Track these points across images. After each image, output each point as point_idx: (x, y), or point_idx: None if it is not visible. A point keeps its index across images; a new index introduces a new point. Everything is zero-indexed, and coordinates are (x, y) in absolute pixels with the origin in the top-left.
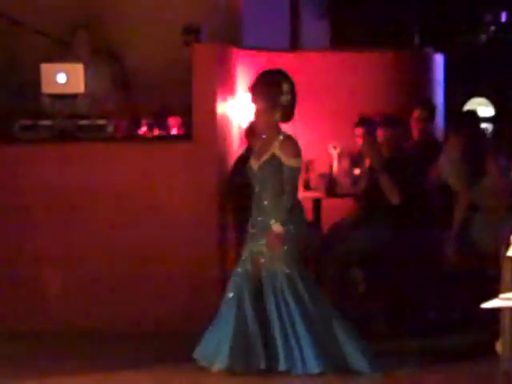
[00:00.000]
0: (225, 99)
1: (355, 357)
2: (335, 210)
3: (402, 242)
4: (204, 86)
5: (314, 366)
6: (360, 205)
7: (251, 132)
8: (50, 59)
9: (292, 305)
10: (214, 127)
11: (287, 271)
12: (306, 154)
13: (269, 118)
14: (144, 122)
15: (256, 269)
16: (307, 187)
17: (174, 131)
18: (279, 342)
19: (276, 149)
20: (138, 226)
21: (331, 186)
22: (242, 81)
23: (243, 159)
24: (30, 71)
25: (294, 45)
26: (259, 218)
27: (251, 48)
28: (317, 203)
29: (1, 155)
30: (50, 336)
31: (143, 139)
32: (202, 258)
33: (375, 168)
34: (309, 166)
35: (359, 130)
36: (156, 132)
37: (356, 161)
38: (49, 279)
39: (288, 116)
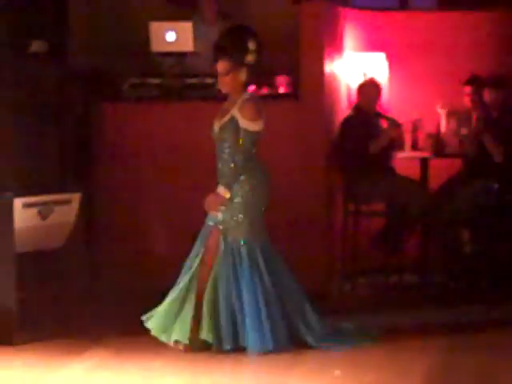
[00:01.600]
0: (332, 58)
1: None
2: (442, 169)
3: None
4: (311, 45)
5: (260, 345)
6: (467, 164)
7: (360, 92)
8: (163, 18)
9: (247, 278)
10: (321, 86)
11: (245, 242)
12: (414, 114)
13: (233, 77)
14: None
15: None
16: (414, 147)
17: (281, 90)
18: (224, 319)
19: (235, 111)
20: None
21: (439, 145)
22: (350, 40)
23: (350, 119)
24: (140, 30)
25: (403, 4)
26: (218, 183)
27: (359, 7)
28: (424, 163)
29: (110, 112)
30: None
31: None
32: (309, 218)
33: (481, 127)
34: (417, 125)
35: (468, 89)
36: (264, 91)
37: (463, 120)
38: (159, 233)
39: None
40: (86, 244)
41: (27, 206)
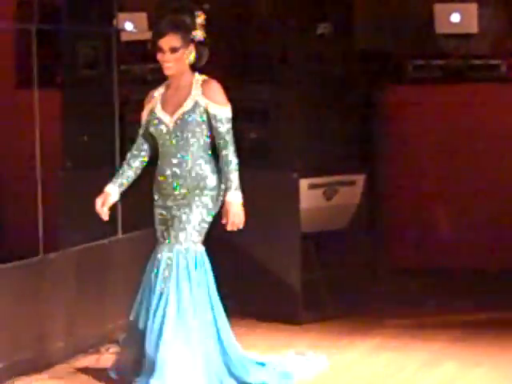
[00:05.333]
0: None
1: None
2: None
3: None
4: None
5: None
6: None
7: None
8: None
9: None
10: None
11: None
12: None
13: (179, 57)
14: None
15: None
16: None
17: None
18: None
19: (198, 95)
20: None
21: None
22: None
23: None
24: (423, 11)
25: None
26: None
27: None
28: None
29: (393, 94)
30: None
31: None
32: None
33: None
34: None
35: None
36: None
37: None
38: (441, 215)
39: (203, 57)
40: (368, 226)
41: (313, 186)
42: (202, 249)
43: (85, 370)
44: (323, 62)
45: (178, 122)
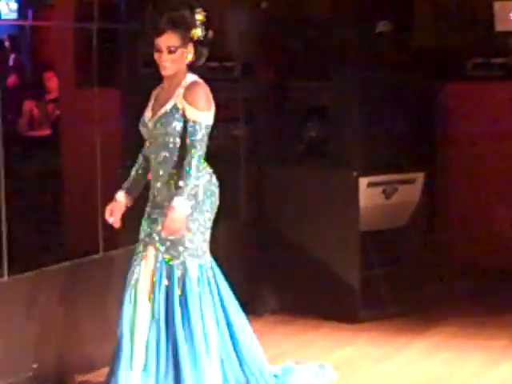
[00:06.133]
0: None
1: None
2: None
3: None
4: None
5: None
6: None
7: None
8: None
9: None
10: None
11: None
12: None
13: (178, 57)
14: None
15: None
16: None
17: None
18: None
19: (179, 97)
20: None
21: None
22: None
23: None
24: (483, 9)
25: None
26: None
27: None
28: None
29: (452, 92)
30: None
31: None
32: None
33: None
34: None
35: None
36: None
37: None
38: (503, 215)
39: (203, 56)
40: (427, 225)
41: (372, 185)
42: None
43: None
44: (383, 59)
45: (157, 124)
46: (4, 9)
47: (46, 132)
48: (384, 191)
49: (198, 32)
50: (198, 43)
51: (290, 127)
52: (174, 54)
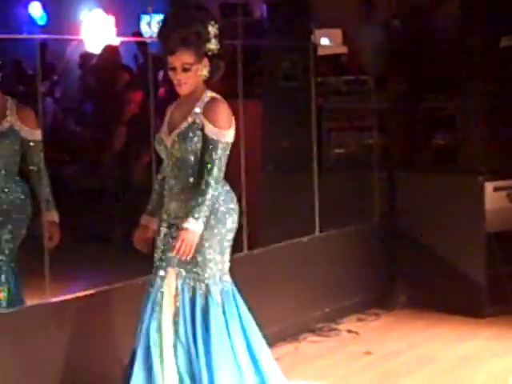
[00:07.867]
0: None
1: None
2: None
3: None
4: None
5: None
6: None
7: None
8: None
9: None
10: None
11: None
12: None
13: (193, 74)
14: None
15: None
16: None
17: None
18: None
19: (199, 114)
20: None
21: None
22: None
23: None
24: None
25: None
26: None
27: None
28: None
29: None
30: None
31: None
32: None
33: None
34: None
35: None
36: None
37: None
38: None
39: (219, 69)
40: None
41: (497, 189)
42: None
43: (283, 357)
44: (507, 72)
45: (175, 141)
46: (146, 29)
47: None
48: (508, 195)
49: (212, 45)
50: (213, 56)
51: (420, 135)
52: (189, 72)
